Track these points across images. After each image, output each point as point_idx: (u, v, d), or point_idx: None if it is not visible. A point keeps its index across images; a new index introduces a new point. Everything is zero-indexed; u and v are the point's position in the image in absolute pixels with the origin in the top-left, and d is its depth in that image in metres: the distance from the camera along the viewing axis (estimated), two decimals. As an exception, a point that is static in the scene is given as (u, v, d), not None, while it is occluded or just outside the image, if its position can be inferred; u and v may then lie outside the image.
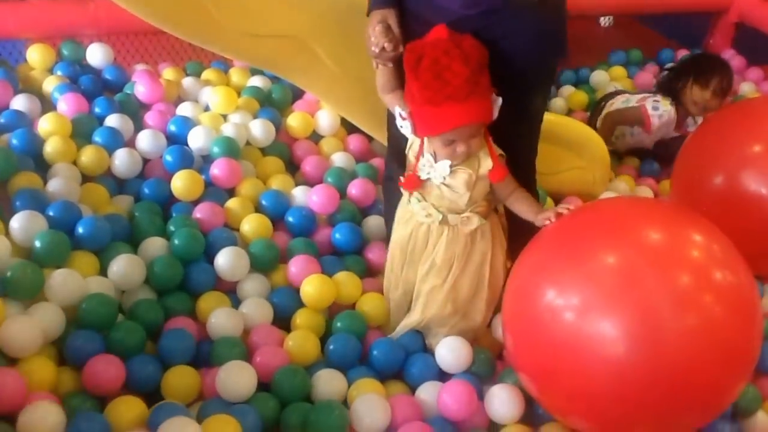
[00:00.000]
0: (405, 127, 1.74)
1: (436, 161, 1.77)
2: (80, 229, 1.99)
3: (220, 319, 1.94)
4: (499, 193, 1.83)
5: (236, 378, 1.76)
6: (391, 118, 1.91)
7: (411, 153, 1.84)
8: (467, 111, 1.63)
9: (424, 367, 1.95)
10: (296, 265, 2.14)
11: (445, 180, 1.78)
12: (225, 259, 2.08)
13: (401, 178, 1.85)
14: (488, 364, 1.98)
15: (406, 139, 1.85)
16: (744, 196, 2.26)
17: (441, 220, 1.84)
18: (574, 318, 1.49)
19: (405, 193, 1.90)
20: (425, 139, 1.77)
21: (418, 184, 1.82)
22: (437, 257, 1.88)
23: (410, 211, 1.89)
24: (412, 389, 1.93)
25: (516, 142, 1.85)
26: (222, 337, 1.91)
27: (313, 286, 2.06)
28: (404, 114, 1.72)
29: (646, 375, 1.42)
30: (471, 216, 1.83)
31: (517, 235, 1.90)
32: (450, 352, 1.94)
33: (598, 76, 3.71)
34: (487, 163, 1.76)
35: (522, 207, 1.82)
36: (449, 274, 1.90)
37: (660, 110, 3.03)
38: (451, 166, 1.75)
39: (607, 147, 2.85)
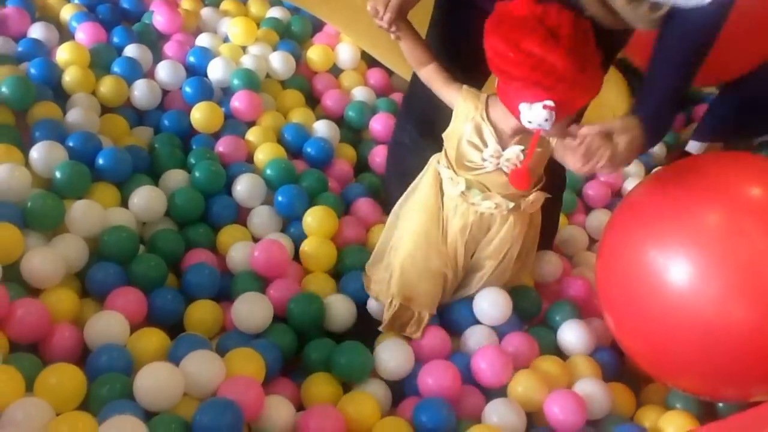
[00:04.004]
0: (549, 120, 1.42)
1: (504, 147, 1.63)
2: (100, 161, 1.97)
3: (240, 252, 1.95)
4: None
5: (252, 309, 1.77)
6: (415, 78, 1.77)
7: (470, 143, 1.64)
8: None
9: (466, 313, 1.88)
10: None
11: (519, 165, 1.64)
12: (243, 187, 2.08)
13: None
14: (536, 303, 1.96)
15: (435, 110, 1.71)
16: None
17: (513, 207, 1.72)
18: (684, 279, 1.45)
19: (452, 188, 1.72)
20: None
21: (531, 179, 1.67)
22: (497, 239, 1.78)
23: (463, 203, 1.73)
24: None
25: None
26: (242, 272, 1.92)
27: (311, 247, 2.02)
28: (550, 103, 1.40)
29: (758, 330, 1.40)
30: (537, 194, 1.74)
31: None
32: (490, 304, 1.86)
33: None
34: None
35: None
36: (507, 252, 1.81)
37: None
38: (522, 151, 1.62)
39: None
